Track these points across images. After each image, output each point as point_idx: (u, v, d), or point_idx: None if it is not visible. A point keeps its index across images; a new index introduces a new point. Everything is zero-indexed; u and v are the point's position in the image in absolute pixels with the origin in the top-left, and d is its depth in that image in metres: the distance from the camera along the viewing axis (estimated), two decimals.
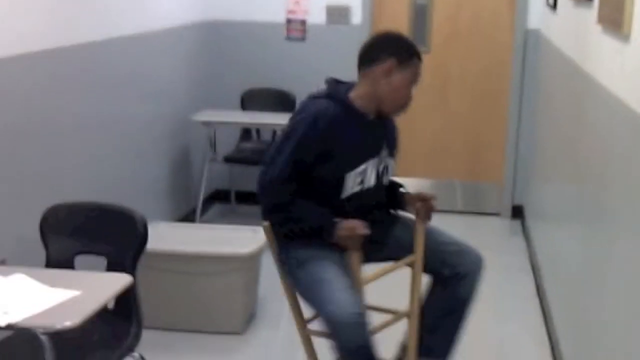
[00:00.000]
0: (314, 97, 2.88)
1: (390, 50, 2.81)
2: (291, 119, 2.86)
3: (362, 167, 2.83)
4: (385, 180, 2.96)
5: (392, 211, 3.06)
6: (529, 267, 4.85)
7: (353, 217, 2.77)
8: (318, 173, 2.78)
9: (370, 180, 2.87)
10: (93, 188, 3.90)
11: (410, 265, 2.96)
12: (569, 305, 3.44)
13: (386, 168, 2.95)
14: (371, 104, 2.86)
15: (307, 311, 2.97)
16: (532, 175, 5.41)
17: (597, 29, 3.11)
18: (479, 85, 5.79)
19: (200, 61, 5.66)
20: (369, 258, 2.83)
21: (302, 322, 3.01)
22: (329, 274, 2.70)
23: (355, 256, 2.74)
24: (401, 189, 3.06)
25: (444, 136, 5.85)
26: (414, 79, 2.85)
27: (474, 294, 2.98)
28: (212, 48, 5.80)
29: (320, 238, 2.78)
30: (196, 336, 3.81)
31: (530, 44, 5.59)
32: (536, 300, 4.35)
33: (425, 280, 3.01)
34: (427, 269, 2.96)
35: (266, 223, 2.87)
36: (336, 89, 2.88)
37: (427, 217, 2.93)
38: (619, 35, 2.64)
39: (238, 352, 3.69)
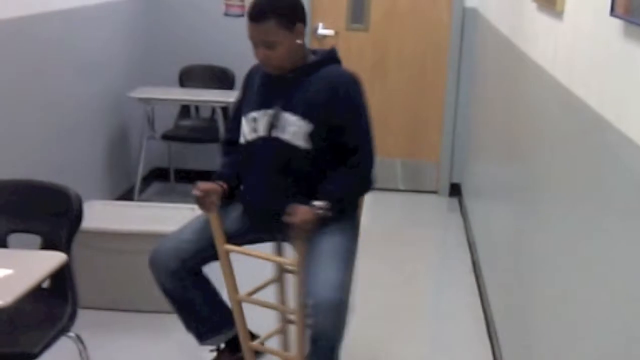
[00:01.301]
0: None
1: None
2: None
3: (253, 114, 3.00)
4: (277, 133, 2.95)
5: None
6: (465, 244, 4.92)
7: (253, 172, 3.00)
8: None
9: (260, 130, 2.97)
10: (27, 166, 3.82)
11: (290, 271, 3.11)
12: (503, 281, 3.50)
13: (278, 121, 2.95)
14: None
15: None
16: (469, 153, 5.48)
17: (532, 6, 3.15)
18: (417, 64, 5.82)
19: (138, 36, 5.57)
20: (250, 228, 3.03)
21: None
22: None
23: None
24: (315, 202, 2.87)
25: (382, 114, 5.86)
26: None
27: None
28: (150, 23, 5.71)
29: None
30: (134, 315, 3.78)
31: (468, 22, 5.63)
32: (472, 277, 4.42)
33: None
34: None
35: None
36: None
37: (298, 236, 2.81)
38: (553, 13, 2.68)
39: (176, 330, 3.66)
